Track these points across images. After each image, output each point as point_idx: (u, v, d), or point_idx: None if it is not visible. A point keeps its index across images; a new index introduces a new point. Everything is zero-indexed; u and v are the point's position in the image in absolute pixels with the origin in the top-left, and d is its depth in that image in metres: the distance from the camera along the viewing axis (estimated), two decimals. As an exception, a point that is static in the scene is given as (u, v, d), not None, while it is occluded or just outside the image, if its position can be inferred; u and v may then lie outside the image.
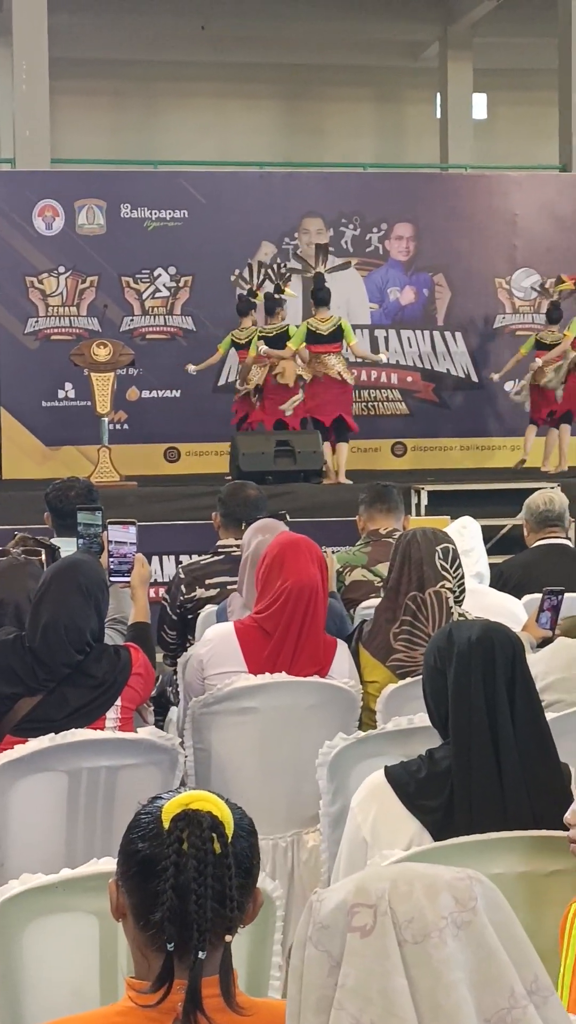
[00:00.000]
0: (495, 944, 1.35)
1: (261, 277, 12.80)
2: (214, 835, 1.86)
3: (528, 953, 1.42)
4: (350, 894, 1.36)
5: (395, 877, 1.36)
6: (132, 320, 13.98)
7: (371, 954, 1.31)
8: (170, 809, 1.88)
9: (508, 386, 13.88)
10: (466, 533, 5.45)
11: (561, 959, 2.43)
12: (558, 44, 16.20)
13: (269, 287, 12.45)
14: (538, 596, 5.74)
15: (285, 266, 12.71)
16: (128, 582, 4.77)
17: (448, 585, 4.33)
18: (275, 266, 12.78)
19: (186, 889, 1.83)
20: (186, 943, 1.83)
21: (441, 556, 4.34)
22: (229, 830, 1.88)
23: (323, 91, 20.50)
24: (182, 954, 1.84)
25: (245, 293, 12.79)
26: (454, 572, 4.36)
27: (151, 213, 13.96)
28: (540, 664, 3.99)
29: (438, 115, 20.05)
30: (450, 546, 4.39)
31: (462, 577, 4.42)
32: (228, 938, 1.85)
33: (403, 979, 1.30)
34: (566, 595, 4.98)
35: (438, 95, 20.00)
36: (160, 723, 5.51)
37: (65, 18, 16.69)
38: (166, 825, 1.87)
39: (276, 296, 12.12)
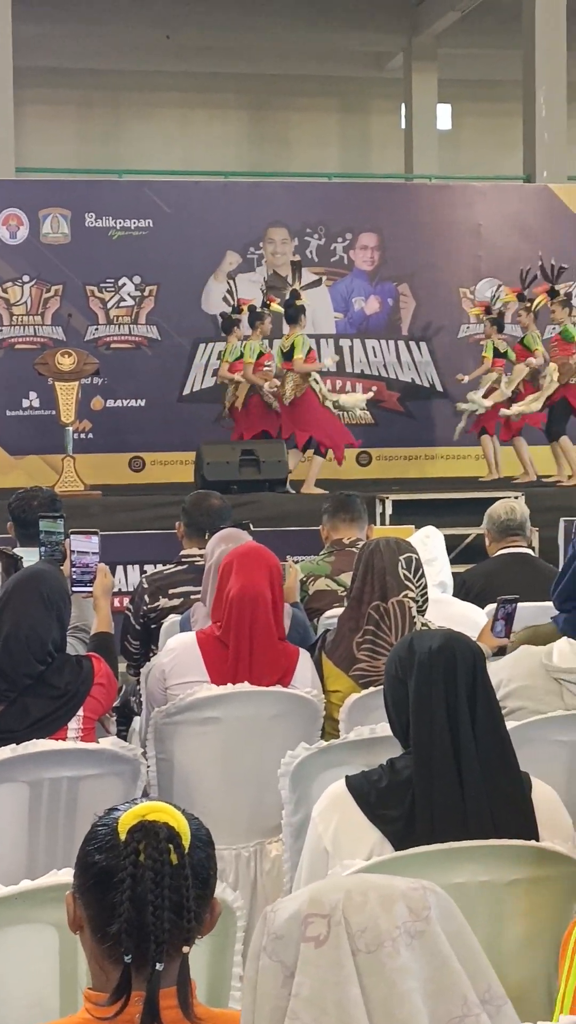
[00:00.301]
0: (448, 953, 1.35)
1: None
2: (170, 846, 1.86)
3: (481, 963, 1.42)
4: (304, 904, 1.36)
5: (349, 887, 1.36)
6: (97, 329, 13.97)
7: (325, 964, 1.31)
8: (126, 821, 1.88)
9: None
10: (429, 543, 5.46)
11: (561, 975, 2.43)
12: (522, 55, 16.27)
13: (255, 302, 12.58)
14: (501, 605, 5.77)
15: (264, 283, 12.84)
16: (91, 592, 4.76)
17: (411, 595, 4.34)
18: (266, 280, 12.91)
19: (143, 901, 1.83)
20: (143, 955, 1.83)
21: (404, 566, 4.35)
22: (186, 841, 1.88)
23: (288, 101, 20.56)
24: (139, 966, 1.83)
25: (229, 311, 12.78)
26: (417, 582, 4.37)
27: (116, 222, 13.96)
28: (503, 672, 3.99)
29: (403, 125, 20.13)
30: (413, 556, 4.40)
31: (425, 587, 4.43)
32: (186, 949, 1.85)
33: (357, 988, 1.30)
34: (528, 603, 4.99)
35: (403, 106, 20.08)
36: (123, 733, 5.49)
37: (30, 27, 16.67)
38: (122, 837, 1.87)
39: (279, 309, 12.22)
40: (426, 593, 4.43)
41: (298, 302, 12.06)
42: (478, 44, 19.35)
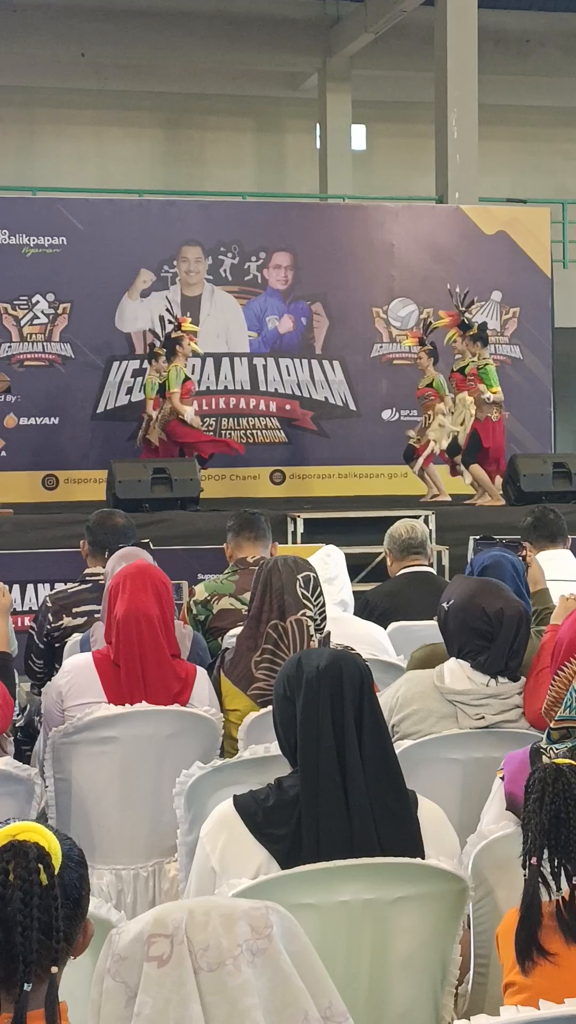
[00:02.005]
0: (290, 970, 1.37)
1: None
2: (40, 866, 1.86)
3: (323, 980, 1.44)
4: (148, 925, 1.37)
5: (193, 907, 1.38)
6: (10, 347, 13.89)
7: (168, 983, 1.33)
8: (-4, 841, 1.88)
9: (387, 415, 14.12)
10: (330, 561, 5.49)
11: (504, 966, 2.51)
12: (434, 78, 16.43)
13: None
14: (405, 623, 5.82)
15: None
16: (-13, 612, 4.74)
17: (309, 613, 4.36)
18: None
19: (11, 921, 1.83)
20: (11, 975, 1.83)
21: (302, 584, 4.37)
22: (56, 861, 1.88)
23: (203, 120, 20.62)
24: (8, 987, 1.83)
25: (171, 330, 12.75)
26: (315, 600, 4.40)
27: (29, 239, 13.89)
28: (395, 697, 4.02)
29: (317, 146, 20.27)
30: (311, 574, 4.42)
31: (323, 605, 4.45)
32: (54, 969, 1.85)
33: (198, 1006, 1.31)
34: (428, 622, 5.03)
35: (317, 126, 20.22)
36: (28, 753, 5.46)
37: (-57, 43, 16.61)
38: (-8, 857, 1.87)
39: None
40: (324, 611, 4.45)
41: (174, 334, 12.18)
42: (391, 66, 19.54)
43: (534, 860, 2.47)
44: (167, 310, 13.25)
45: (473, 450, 12.15)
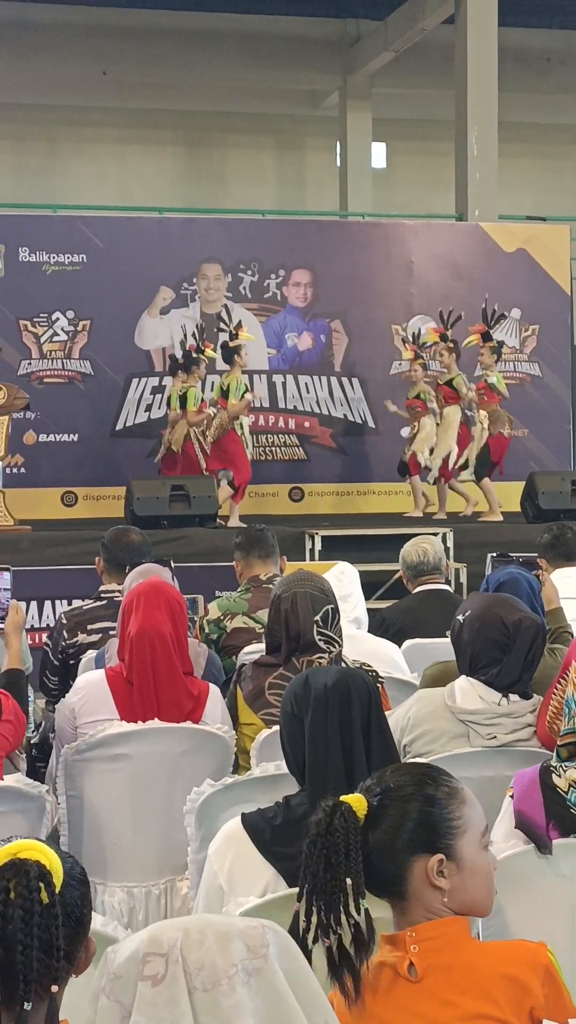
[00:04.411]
0: (285, 990, 1.36)
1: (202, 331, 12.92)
2: (41, 884, 1.85)
3: (319, 1000, 1.44)
4: (143, 944, 1.37)
5: (188, 926, 1.38)
6: (30, 364, 13.93)
7: (162, 1002, 1.32)
8: (-3, 859, 1.88)
9: (405, 432, 14.13)
10: (344, 579, 5.48)
11: None
12: (455, 96, 16.45)
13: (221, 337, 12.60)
14: (420, 641, 5.81)
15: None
16: (2, 628, 4.75)
17: (323, 657, 4.30)
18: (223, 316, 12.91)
19: (12, 940, 1.83)
20: (11, 994, 1.82)
21: (321, 623, 4.30)
22: (57, 879, 1.87)
23: (224, 138, 20.68)
24: (8, 1005, 1.83)
25: (192, 351, 12.74)
26: (333, 630, 4.34)
27: (50, 257, 13.94)
28: (405, 718, 4.00)
29: (338, 163, 20.30)
30: (330, 608, 4.33)
31: (340, 633, 4.41)
32: (55, 988, 1.84)
33: (192, 1026, 1.31)
34: (443, 639, 5.01)
35: (338, 144, 20.26)
36: (42, 770, 5.47)
37: (-35, 62, 16.70)
38: (-7, 875, 1.87)
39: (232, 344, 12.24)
40: (340, 641, 4.40)
41: (232, 343, 12.17)
42: (412, 84, 19.57)
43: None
44: (197, 327, 13.21)
45: (484, 464, 12.22)
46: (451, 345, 12.62)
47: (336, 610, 4.36)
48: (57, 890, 1.87)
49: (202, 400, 12.32)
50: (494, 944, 2.42)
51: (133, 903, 4.26)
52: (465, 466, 12.43)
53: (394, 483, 14.18)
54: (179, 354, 12.99)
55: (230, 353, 12.20)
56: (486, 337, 12.53)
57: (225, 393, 12.07)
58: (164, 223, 14.79)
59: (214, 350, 12.52)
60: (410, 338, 13.59)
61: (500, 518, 12.21)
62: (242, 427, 12.11)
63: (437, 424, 12.49)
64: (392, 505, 14.16)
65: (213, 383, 12.75)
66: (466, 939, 2.38)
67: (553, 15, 19.45)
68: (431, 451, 12.42)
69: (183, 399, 12.24)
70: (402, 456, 12.83)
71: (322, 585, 4.42)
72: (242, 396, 12.01)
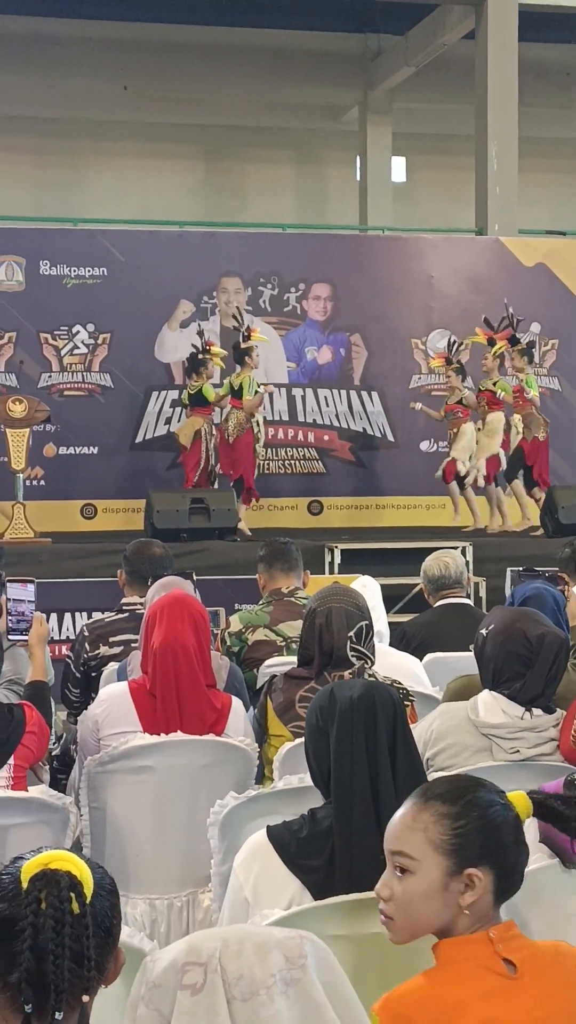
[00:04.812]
0: (323, 1001, 1.37)
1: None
2: (72, 895, 1.86)
3: (357, 1011, 1.44)
4: (182, 953, 1.37)
5: (227, 936, 1.38)
6: (50, 376, 13.96)
7: (200, 1011, 1.33)
8: (29, 869, 1.89)
9: (424, 446, 14.18)
10: (366, 592, 5.44)
11: None
12: (475, 110, 16.47)
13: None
14: (442, 655, 5.81)
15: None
16: (26, 640, 4.76)
17: (354, 671, 4.30)
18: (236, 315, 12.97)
19: (43, 950, 1.83)
20: (43, 1004, 1.83)
21: (354, 639, 4.31)
22: (88, 890, 1.88)
23: (244, 152, 20.72)
24: (40, 1015, 1.84)
25: (198, 352, 12.79)
26: (365, 645, 4.35)
27: (70, 270, 13.98)
28: (428, 731, 4.00)
29: (358, 177, 20.32)
30: (364, 623, 4.34)
31: (373, 649, 4.41)
32: (85, 998, 1.85)
33: (231, 1035, 1.31)
34: (464, 653, 5.01)
35: (358, 158, 20.29)
36: (63, 781, 5.47)
37: (-13, 76, 16.77)
38: (24, 885, 1.87)
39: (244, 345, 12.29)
40: (373, 657, 4.40)
41: (243, 344, 12.20)
42: (432, 99, 19.60)
43: None
44: (198, 335, 13.25)
45: (516, 467, 12.24)
46: (457, 366, 12.71)
47: (370, 626, 4.37)
48: (88, 900, 1.88)
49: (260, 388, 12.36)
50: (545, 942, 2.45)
51: (155, 915, 4.26)
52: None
53: (413, 496, 14.19)
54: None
55: (242, 354, 12.24)
56: (513, 341, 12.55)
57: (238, 392, 12.12)
58: (184, 237, 14.82)
59: (219, 347, 12.65)
60: (430, 351, 13.62)
61: (531, 522, 12.20)
62: (258, 425, 12.15)
63: (478, 430, 12.50)
64: (411, 518, 14.16)
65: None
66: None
67: (573, 30, 19.46)
68: (470, 458, 12.43)
69: (239, 390, 12.22)
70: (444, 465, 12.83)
71: (357, 601, 4.41)
72: (255, 392, 12.06)
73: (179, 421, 13.52)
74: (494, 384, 12.47)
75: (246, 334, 12.41)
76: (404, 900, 2.34)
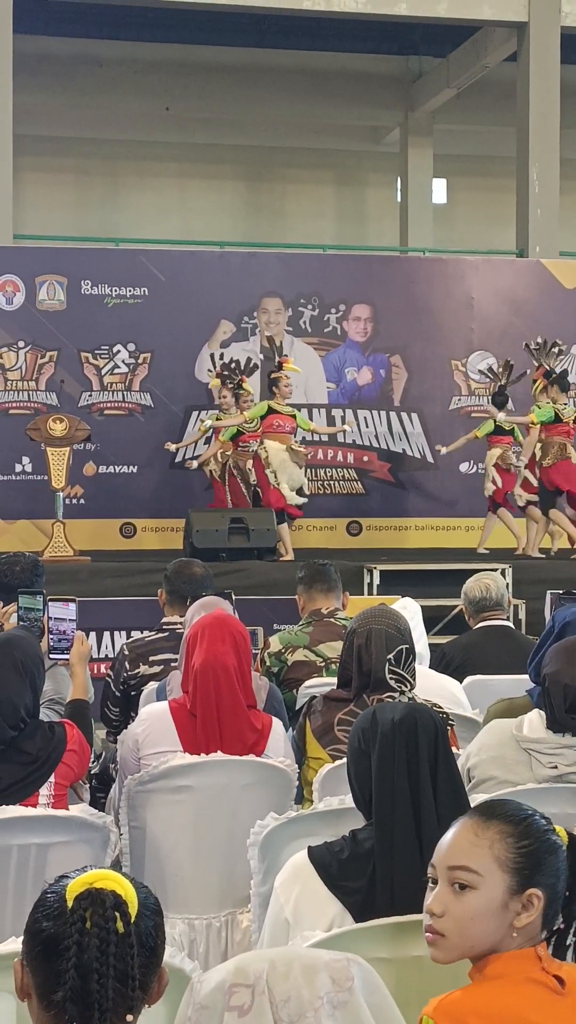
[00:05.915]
0: (370, 1024, 1.37)
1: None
2: (117, 914, 1.87)
3: (403, 1034, 1.44)
4: (229, 974, 1.37)
5: (274, 958, 1.38)
6: (91, 395, 14.04)
7: (248, 1033, 1.33)
8: (74, 888, 1.90)
9: (464, 467, 14.14)
10: (406, 614, 5.46)
11: None
12: (516, 132, 16.48)
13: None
14: (482, 677, 5.79)
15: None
16: (67, 659, 4.78)
17: (394, 697, 4.28)
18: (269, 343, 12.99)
19: (88, 969, 1.84)
20: (87, 1023, 1.84)
21: (393, 663, 4.28)
22: (133, 909, 1.89)
23: (285, 173, 20.79)
24: (85, 1034, 1.84)
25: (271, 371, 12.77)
26: (405, 669, 4.33)
27: (111, 290, 14.06)
28: (475, 744, 4.01)
29: (398, 199, 20.35)
30: (404, 647, 4.32)
31: (413, 673, 4.39)
32: (129, 1018, 1.86)
33: (278, 1058, 1.31)
34: (505, 676, 5.00)
35: (398, 179, 20.32)
36: (102, 800, 5.48)
37: (31, 96, 16.90)
38: (70, 904, 1.88)
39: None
40: (413, 681, 4.38)
41: (274, 374, 12.15)
42: (473, 121, 19.63)
43: None
44: (221, 362, 13.28)
45: (552, 494, 12.24)
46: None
47: (411, 650, 4.33)
48: (132, 920, 1.88)
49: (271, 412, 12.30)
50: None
51: (194, 935, 4.25)
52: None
53: (452, 518, 14.18)
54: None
55: (271, 384, 12.21)
56: (548, 375, 12.49)
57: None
58: (225, 257, 14.88)
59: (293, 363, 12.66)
60: (476, 376, 13.57)
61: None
62: (266, 451, 11.99)
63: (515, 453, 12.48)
64: (450, 540, 14.15)
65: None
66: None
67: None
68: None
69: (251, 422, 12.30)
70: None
71: (399, 623, 4.38)
72: (264, 417, 12.02)
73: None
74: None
75: (279, 363, 12.36)
76: (462, 916, 2.32)
